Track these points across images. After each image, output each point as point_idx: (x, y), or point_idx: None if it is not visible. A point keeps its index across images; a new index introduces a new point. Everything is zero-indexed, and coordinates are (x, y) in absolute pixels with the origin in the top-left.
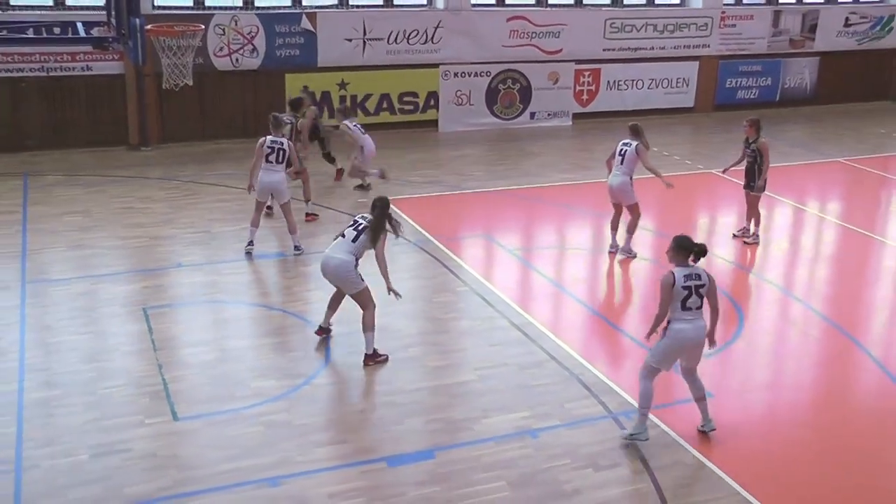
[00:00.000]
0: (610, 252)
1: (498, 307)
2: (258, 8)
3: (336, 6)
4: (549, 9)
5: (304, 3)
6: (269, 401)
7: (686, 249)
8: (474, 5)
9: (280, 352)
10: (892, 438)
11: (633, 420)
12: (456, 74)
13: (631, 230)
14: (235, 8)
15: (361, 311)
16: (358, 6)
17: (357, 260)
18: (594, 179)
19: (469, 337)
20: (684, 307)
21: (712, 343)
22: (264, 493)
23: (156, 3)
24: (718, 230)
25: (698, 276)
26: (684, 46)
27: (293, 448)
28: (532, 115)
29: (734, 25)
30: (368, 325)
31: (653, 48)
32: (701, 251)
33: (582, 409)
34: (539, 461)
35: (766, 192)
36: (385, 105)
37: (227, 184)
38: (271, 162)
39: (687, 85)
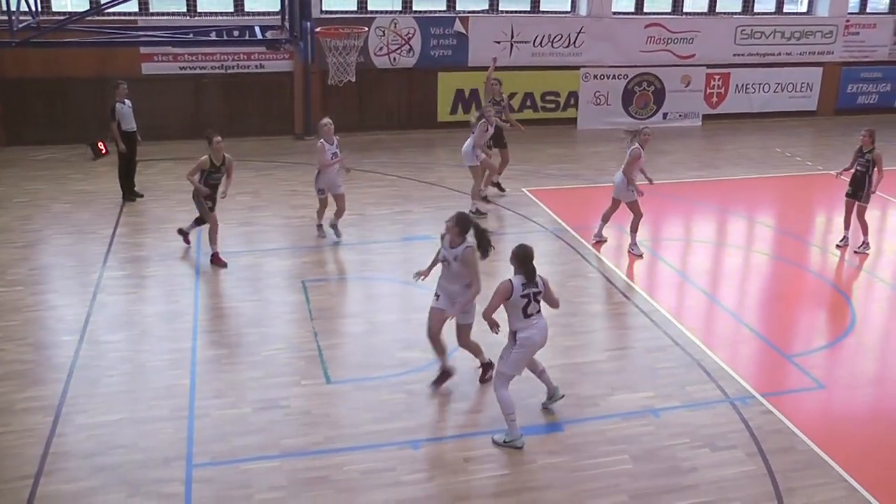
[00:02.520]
0: (595, 241)
1: (627, 294)
2: (416, 11)
3: (487, 11)
4: (683, 16)
5: (458, 8)
6: (413, 371)
7: (526, 260)
8: (615, 13)
9: (423, 327)
10: None
11: (504, 432)
12: (595, 76)
13: (633, 229)
14: (395, 11)
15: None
16: (507, 11)
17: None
18: (721, 177)
19: (599, 320)
20: (526, 315)
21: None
22: (406, 455)
23: (323, 8)
24: (834, 228)
25: (535, 284)
26: (809, 53)
27: (433, 415)
28: (665, 115)
29: (857, 33)
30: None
31: (780, 54)
32: (530, 270)
33: (701, 393)
34: (660, 439)
35: (879, 194)
36: (529, 103)
37: (381, 171)
38: None
39: (811, 89)
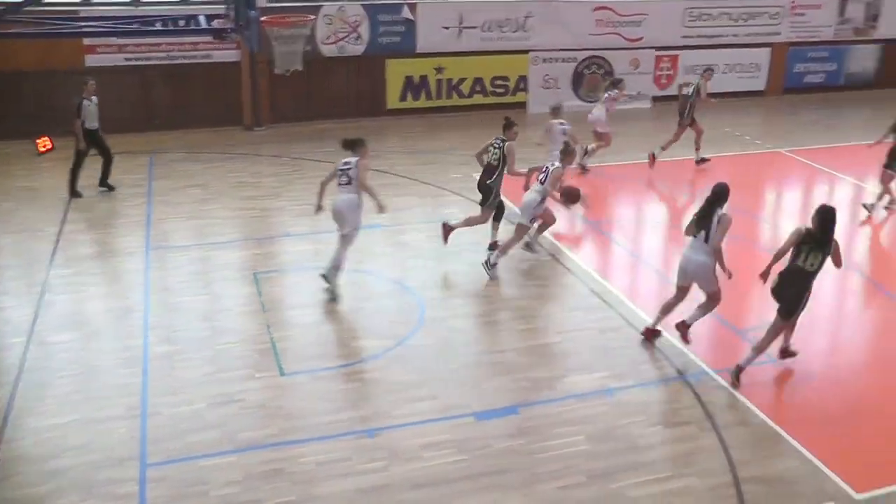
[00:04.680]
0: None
1: (580, 276)
2: None
3: None
4: (632, 0)
5: None
6: (368, 359)
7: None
8: None
9: (378, 315)
10: None
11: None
12: (544, 60)
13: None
14: None
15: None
16: None
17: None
18: (672, 158)
19: (553, 303)
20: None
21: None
22: (362, 444)
23: None
24: (784, 205)
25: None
26: (757, 34)
27: (389, 403)
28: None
29: (803, 14)
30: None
31: (727, 35)
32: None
33: (655, 371)
34: (615, 418)
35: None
36: (478, 88)
37: (332, 160)
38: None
39: (759, 70)
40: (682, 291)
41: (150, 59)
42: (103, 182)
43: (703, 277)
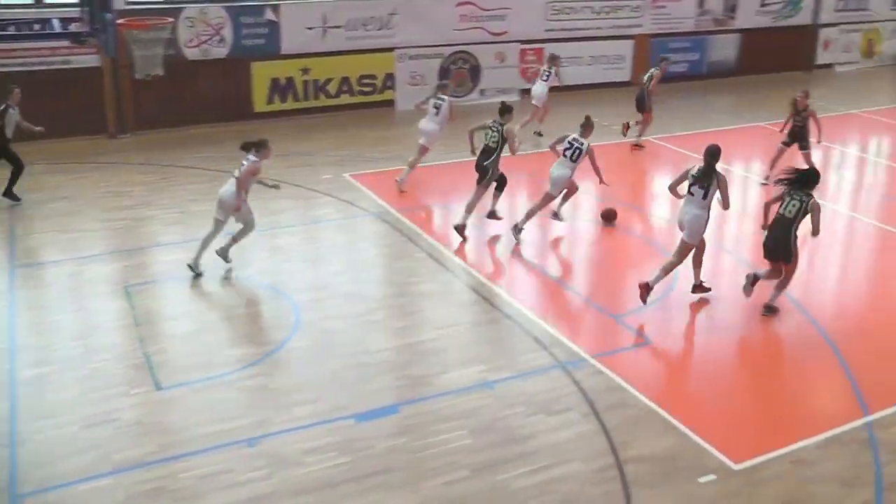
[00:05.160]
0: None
1: (455, 271)
2: (225, 0)
3: None
4: None
5: None
6: (246, 367)
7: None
8: None
9: (255, 320)
10: (815, 376)
11: None
12: (410, 57)
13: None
14: (204, 1)
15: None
16: None
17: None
18: (543, 150)
19: (428, 299)
20: None
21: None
22: (244, 453)
23: None
24: (656, 193)
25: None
26: (620, 26)
27: (269, 409)
28: (482, 92)
29: (664, 7)
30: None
31: (591, 28)
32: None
33: (534, 361)
34: (496, 410)
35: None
36: (345, 87)
37: (201, 166)
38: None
39: (623, 61)
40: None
41: (5, 65)
42: (7, 193)
43: (693, 228)
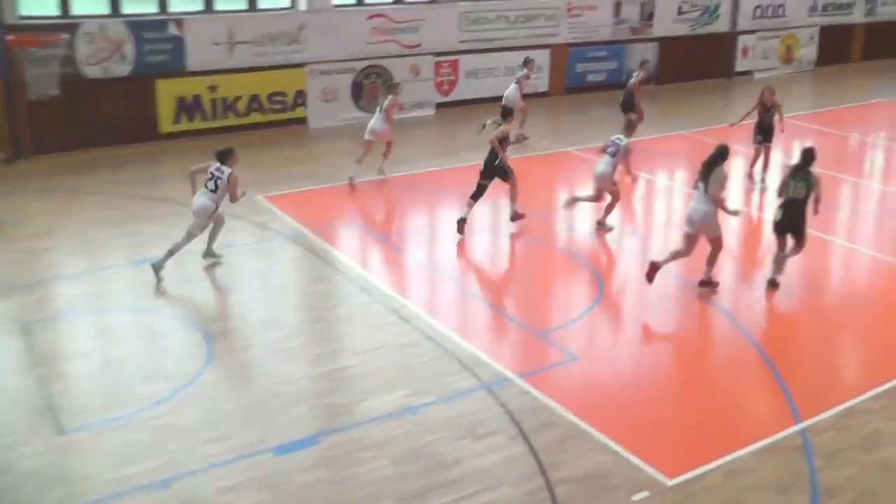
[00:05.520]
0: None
1: (373, 293)
2: (125, 15)
3: (202, 11)
4: (406, 6)
5: (171, 9)
6: (156, 404)
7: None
8: (336, 6)
9: (164, 354)
10: (746, 385)
11: None
12: (322, 73)
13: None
14: (103, 15)
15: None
16: (224, 11)
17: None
18: (460, 164)
19: (347, 323)
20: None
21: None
22: (154, 498)
23: (21, 13)
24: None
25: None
26: (536, 35)
27: (181, 449)
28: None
29: (580, 15)
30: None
31: (506, 38)
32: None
33: (457, 384)
34: (419, 436)
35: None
36: (255, 106)
37: (105, 191)
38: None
39: (541, 71)
40: (688, 240)
41: None
42: None
43: (707, 224)
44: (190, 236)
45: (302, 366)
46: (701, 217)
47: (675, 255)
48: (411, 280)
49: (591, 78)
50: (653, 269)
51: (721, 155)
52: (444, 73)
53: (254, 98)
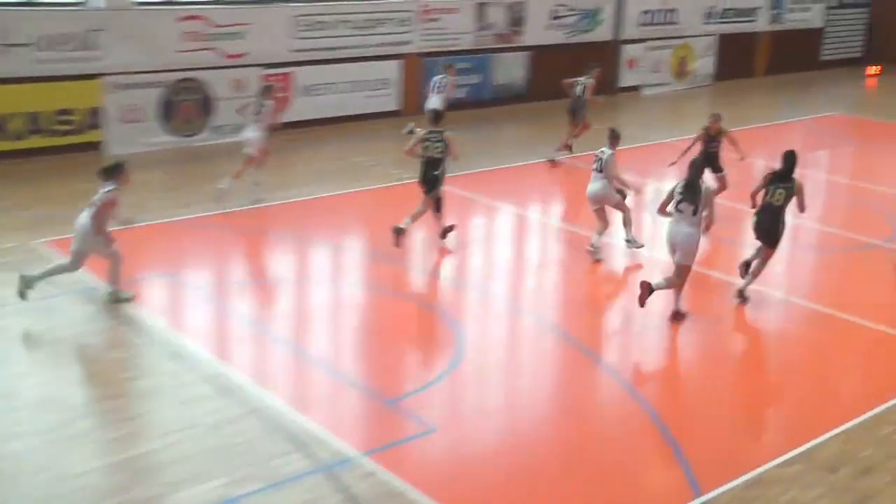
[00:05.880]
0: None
1: (185, 360)
2: None
3: None
4: (227, 7)
5: None
6: None
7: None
8: (139, 3)
9: None
10: (638, 456)
11: None
12: (124, 86)
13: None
14: None
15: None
16: None
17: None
18: (295, 199)
19: (151, 399)
20: None
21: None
22: None
23: None
24: (428, 245)
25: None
26: (384, 44)
27: None
28: (216, 129)
29: (437, 20)
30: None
31: (349, 47)
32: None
33: (288, 466)
34: None
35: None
36: (35, 126)
37: None
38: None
39: (390, 86)
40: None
41: None
42: None
43: (687, 247)
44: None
45: (89, 456)
46: (682, 238)
47: (669, 285)
48: (233, 341)
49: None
50: (645, 292)
51: (701, 168)
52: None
53: (32, 117)
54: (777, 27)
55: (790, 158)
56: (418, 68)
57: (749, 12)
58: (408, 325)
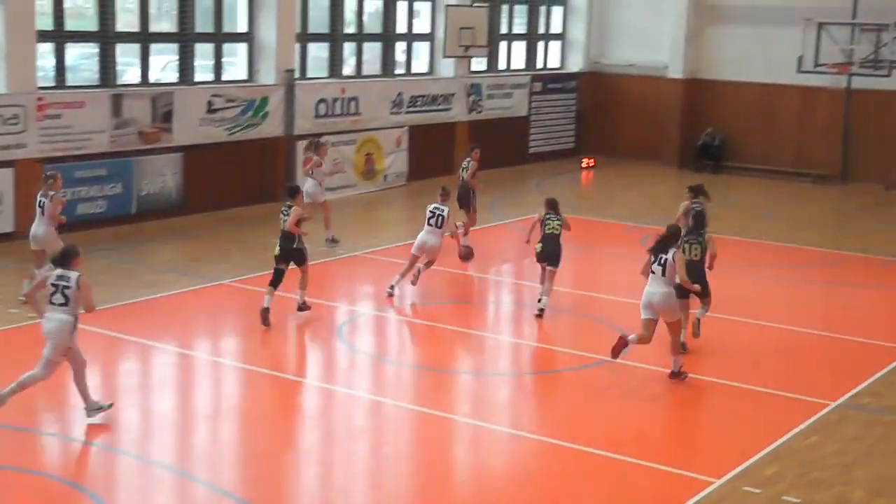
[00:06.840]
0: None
1: None
2: None
3: None
4: None
5: None
6: None
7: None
8: None
9: None
10: None
11: None
12: None
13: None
14: None
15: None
16: None
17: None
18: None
19: None
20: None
21: None
22: None
23: None
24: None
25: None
26: None
27: None
28: None
29: (59, 116)
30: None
31: None
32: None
33: None
34: None
35: None
36: None
37: None
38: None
39: (0, 202)
40: (648, 324)
41: None
42: None
43: (668, 306)
44: (49, 365)
45: None
46: (660, 299)
47: (640, 341)
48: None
49: (82, 209)
50: (620, 345)
51: (674, 236)
52: None
53: None
54: (476, 117)
55: (698, 217)
56: (37, 177)
57: (441, 100)
58: None
